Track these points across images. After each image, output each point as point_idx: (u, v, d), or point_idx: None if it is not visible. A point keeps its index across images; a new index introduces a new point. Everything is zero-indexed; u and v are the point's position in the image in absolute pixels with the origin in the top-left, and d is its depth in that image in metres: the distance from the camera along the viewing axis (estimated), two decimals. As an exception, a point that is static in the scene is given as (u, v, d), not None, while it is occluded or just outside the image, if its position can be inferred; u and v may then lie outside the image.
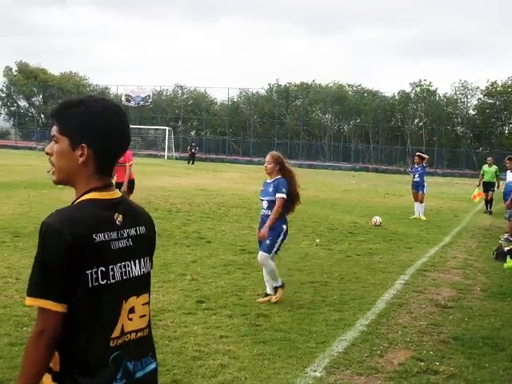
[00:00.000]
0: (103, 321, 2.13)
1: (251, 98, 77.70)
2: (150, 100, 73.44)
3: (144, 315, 2.30)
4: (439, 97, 69.95)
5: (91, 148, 2.18)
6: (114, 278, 2.15)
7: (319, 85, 76.88)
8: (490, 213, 21.97)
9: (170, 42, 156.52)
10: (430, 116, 68.49)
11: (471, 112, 69.16)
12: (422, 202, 19.36)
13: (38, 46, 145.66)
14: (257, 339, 6.56)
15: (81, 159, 2.18)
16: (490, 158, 23.96)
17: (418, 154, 21.25)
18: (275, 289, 8.12)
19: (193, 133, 77.92)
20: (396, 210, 20.39)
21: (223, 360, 5.89)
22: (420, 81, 70.35)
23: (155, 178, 29.88)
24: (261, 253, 8.13)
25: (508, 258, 11.88)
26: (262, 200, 8.24)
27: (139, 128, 68.97)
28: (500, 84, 67.71)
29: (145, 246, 2.35)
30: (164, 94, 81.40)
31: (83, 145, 2.17)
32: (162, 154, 62.15)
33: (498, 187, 22.23)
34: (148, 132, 68.36)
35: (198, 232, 13.61)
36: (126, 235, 2.24)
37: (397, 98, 70.93)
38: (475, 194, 22.54)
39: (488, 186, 22.51)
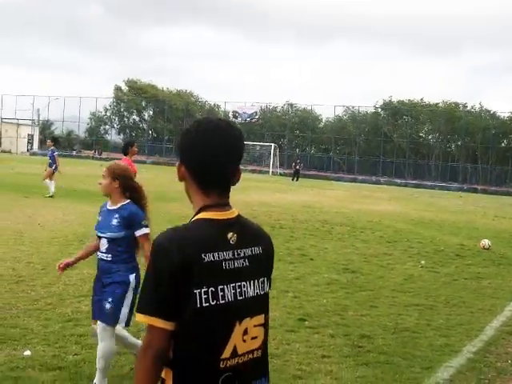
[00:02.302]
0: (212, 341, 2.12)
1: (358, 116, 77.30)
2: (257, 116, 74.38)
3: (256, 337, 2.24)
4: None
5: (184, 166, 2.26)
6: (224, 298, 2.13)
7: (428, 103, 75.63)
8: None
9: (279, 63, 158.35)
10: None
11: None
12: None
13: (150, 65, 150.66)
14: (359, 361, 6.46)
15: (181, 178, 2.30)
16: None
17: None
18: None
19: (298, 150, 78.25)
20: (505, 234, 19.67)
21: (325, 380, 5.84)
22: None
23: (260, 193, 30.16)
24: (99, 323, 5.22)
25: None
26: (100, 237, 5.31)
27: (245, 144, 69.87)
28: None
29: (261, 267, 2.31)
30: (274, 111, 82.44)
31: (180, 164, 2.28)
32: (267, 169, 62.64)
33: None
34: (254, 148, 69.09)
35: (301, 249, 13.60)
36: (242, 255, 2.22)
37: (508, 116, 68.84)
38: None
39: None
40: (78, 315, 7.32)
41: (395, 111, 75.40)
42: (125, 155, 12.11)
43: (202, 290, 2.08)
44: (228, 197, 2.29)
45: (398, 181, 61.50)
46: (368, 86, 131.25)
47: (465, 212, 28.92)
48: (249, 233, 2.31)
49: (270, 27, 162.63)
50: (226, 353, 2.13)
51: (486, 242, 15.95)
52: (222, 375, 2.13)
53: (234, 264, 2.18)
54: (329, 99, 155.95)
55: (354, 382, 5.85)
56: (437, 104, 75.17)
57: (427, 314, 8.66)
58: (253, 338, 2.23)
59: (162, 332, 2.07)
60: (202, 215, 2.21)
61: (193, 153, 2.22)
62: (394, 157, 69.93)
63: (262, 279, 2.29)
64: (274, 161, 63.95)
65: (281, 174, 60.96)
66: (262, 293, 2.28)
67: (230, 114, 73.96)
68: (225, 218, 2.23)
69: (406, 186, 58.03)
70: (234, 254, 2.19)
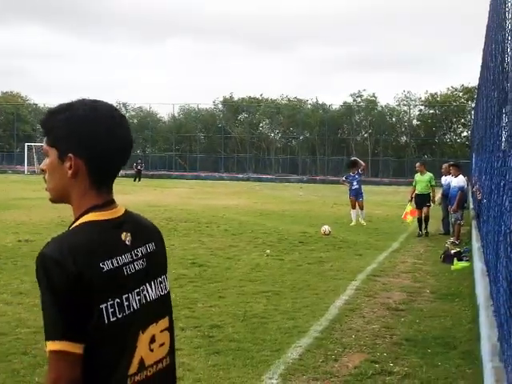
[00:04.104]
0: (119, 358, 1.85)
1: (197, 114, 77.69)
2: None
3: (163, 343, 2.02)
4: (382, 108, 71.28)
5: (80, 158, 1.88)
6: (129, 308, 1.87)
7: (267, 99, 77.48)
8: (426, 234, 17.35)
9: (116, 62, 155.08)
10: (374, 126, 69.63)
11: (414, 122, 70.53)
12: (362, 209, 19.77)
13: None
14: (211, 350, 6.49)
15: (70, 172, 1.89)
16: (418, 164, 18.71)
17: (353, 159, 21.46)
18: None
19: (138, 150, 77.35)
20: (344, 219, 20.49)
21: (178, 373, 5.74)
22: (359, 91, 71.70)
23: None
24: None
25: (455, 260, 12.11)
26: None
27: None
28: (440, 94, 69.41)
29: (158, 264, 2.08)
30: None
31: (70, 155, 1.88)
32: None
33: (434, 201, 18.06)
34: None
35: (148, 247, 13.44)
36: (140, 255, 1.97)
37: (341, 109, 71.96)
38: (407, 211, 17.85)
39: (421, 200, 17.65)
40: None
41: (235, 108, 76.51)
42: None
43: (108, 304, 1.80)
44: (112, 192, 2.02)
45: (240, 175, 62.56)
46: (208, 84, 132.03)
47: (305, 202, 29.89)
48: (141, 229, 2.06)
49: (102, 27, 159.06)
50: (133, 368, 1.88)
51: (326, 228, 16.58)
52: None
53: (134, 267, 1.93)
54: (168, 98, 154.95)
55: (206, 371, 5.86)
56: (275, 100, 77.20)
57: (275, 300, 8.86)
58: (161, 345, 2.00)
59: (74, 358, 1.75)
60: (87, 217, 1.89)
61: (86, 141, 1.88)
62: (235, 152, 71.04)
63: (160, 278, 2.06)
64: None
65: (122, 176, 60.13)
66: (162, 293, 2.05)
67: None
68: (114, 217, 1.95)
69: (248, 180, 59.16)
70: (132, 256, 1.94)
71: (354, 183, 19.86)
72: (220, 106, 77.88)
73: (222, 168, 69.14)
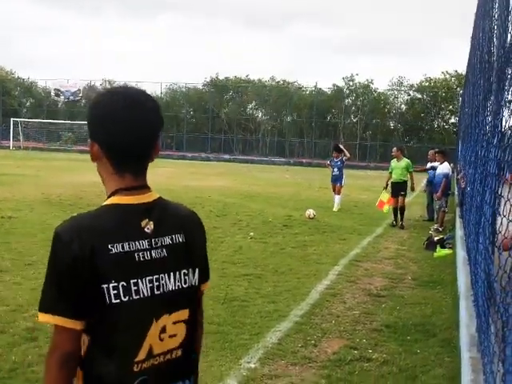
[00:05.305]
0: (126, 343, 1.92)
1: (185, 93, 77.21)
2: (80, 94, 72.17)
3: (175, 335, 2.03)
4: (372, 92, 70.98)
5: (99, 145, 2.01)
6: (138, 293, 1.92)
7: (253, 80, 77.05)
8: (402, 226, 16.05)
9: (105, 38, 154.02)
10: (363, 110, 69.48)
11: (403, 107, 70.37)
12: (339, 194, 19.63)
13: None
14: (190, 333, 6.47)
15: (95, 157, 2.05)
16: (394, 150, 17.68)
17: (338, 145, 21.35)
18: None
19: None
20: (329, 203, 20.44)
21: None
22: (352, 75, 71.31)
23: (86, 174, 29.32)
24: None
25: (438, 247, 12.16)
26: None
27: (71, 123, 67.77)
28: (434, 80, 69.11)
29: (184, 257, 2.09)
30: (97, 89, 79.86)
31: (92, 142, 2.03)
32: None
33: (413, 188, 17.35)
34: (81, 127, 66.80)
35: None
36: (159, 244, 2.01)
37: (330, 92, 71.59)
38: (382, 200, 16.77)
39: (397, 189, 16.43)
40: None
41: (222, 88, 76.08)
42: None
43: (111, 285, 1.87)
44: (145, 178, 2.09)
45: (227, 156, 62.48)
46: (198, 62, 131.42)
47: (291, 185, 29.86)
48: (169, 219, 2.10)
49: (90, 0, 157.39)
50: (141, 354, 1.94)
51: (310, 212, 16.58)
52: (137, 379, 1.94)
53: (150, 255, 1.98)
54: (157, 76, 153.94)
55: (184, 354, 5.84)
56: (262, 79, 76.80)
57: (256, 283, 8.85)
58: (171, 336, 2.03)
59: (69, 332, 1.87)
60: (112, 200, 2.00)
61: (103, 129, 1.98)
62: (222, 133, 70.80)
63: (184, 271, 2.08)
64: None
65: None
66: (185, 286, 2.07)
67: (52, 93, 71.16)
68: (139, 202, 2.01)
69: (234, 161, 59.08)
70: (150, 244, 1.99)
71: (335, 169, 19.73)
72: (208, 85, 77.30)
73: (208, 149, 68.93)
